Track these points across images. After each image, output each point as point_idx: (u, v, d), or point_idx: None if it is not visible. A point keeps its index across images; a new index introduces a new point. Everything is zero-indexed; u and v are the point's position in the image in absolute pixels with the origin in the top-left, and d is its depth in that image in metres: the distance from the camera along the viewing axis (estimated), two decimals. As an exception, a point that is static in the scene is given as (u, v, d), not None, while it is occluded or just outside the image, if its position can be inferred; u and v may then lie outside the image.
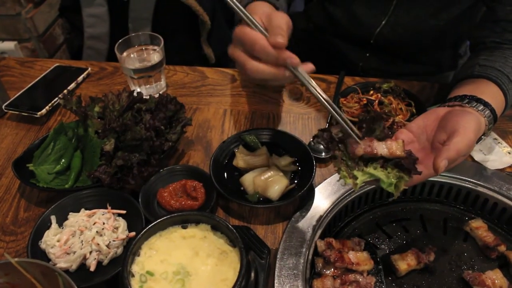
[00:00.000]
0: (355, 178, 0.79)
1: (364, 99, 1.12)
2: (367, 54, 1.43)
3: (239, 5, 0.81)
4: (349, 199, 1.01)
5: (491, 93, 0.97)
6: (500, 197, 1.02)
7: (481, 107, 0.93)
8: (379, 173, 0.79)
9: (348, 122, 0.82)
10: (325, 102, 0.83)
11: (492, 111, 0.94)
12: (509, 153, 1.13)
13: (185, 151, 1.13)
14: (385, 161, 0.80)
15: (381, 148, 0.80)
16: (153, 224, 0.84)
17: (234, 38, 0.86)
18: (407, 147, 0.83)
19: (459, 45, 1.51)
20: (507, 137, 1.18)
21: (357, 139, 0.81)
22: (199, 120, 1.22)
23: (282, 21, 0.83)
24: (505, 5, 1.09)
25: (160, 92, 1.31)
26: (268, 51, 0.79)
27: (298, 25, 1.65)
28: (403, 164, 0.79)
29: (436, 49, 1.44)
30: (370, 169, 0.80)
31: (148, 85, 1.30)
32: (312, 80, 0.82)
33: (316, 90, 0.82)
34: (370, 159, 0.81)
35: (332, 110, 0.83)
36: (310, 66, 0.84)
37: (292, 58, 0.80)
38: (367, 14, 1.32)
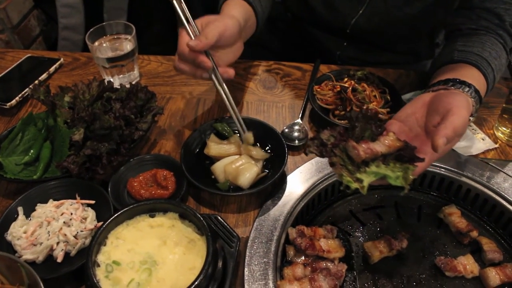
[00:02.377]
0: (361, 181, 0.75)
1: (338, 86, 1.11)
2: (345, 43, 1.43)
3: (182, 9, 1.03)
4: (322, 186, 1.01)
5: (472, 76, 0.98)
6: (473, 183, 1.02)
7: (466, 88, 0.94)
8: (384, 170, 0.77)
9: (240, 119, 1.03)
10: (229, 105, 1.03)
11: (477, 92, 0.95)
12: (483, 139, 1.13)
13: (157, 140, 1.12)
14: (385, 158, 0.79)
15: (379, 146, 0.79)
16: (119, 213, 0.82)
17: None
18: (400, 137, 0.82)
19: (435, 35, 1.50)
20: (482, 123, 1.18)
21: (244, 132, 1.02)
22: (172, 109, 1.20)
23: (214, 29, 0.99)
24: None
25: (133, 82, 1.30)
26: (185, 54, 0.98)
27: (277, 14, 1.64)
28: (404, 155, 0.79)
29: (412, 38, 1.43)
30: (373, 168, 0.77)
31: (121, 75, 1.28)
32: (224, 85, 1.03)
33: (224, 92, 1.03)
34: (367, 161, 0.79)
35: (231, 110, 1.03)
36: (229, 72, 1.04)
37: (204, 62, 0.97)
38: (344, 3, 1.32)
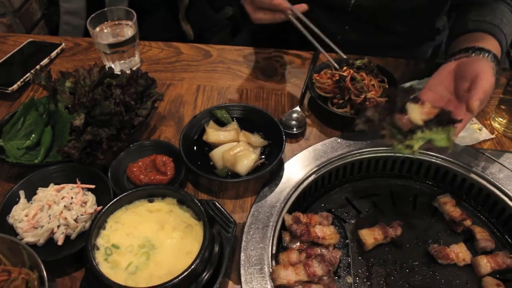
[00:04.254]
0: (411, 147, 0.86)
1: (337, 75, 1.11)
2: (346, 27, 1.42)
3: None
4: (319, 174, 1.02)
5: (488, 43, 1.06)
6: (469, 173, 1.04)
7: (486, 54, 1.02)
8: (429, 135, 0.87)
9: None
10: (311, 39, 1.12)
11: (495, 56, 1.03)
12: (479, 129, 1.14)
13: (157, 126, 1.13)
14: (427, 124, 0.88)
15: (420, 114, 0.89)
16: (118, 198, 0.84)
17: None
18: (435, 104, 0.91)
19: (436, 18, 1.51)
20: (479, 114, 1.18)
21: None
22: (172, 95, 1.21)
23: None
24: None
25: (134, 68, 1.30)
26: (260, 2, 1.05)
27: None
28: (443, 119, 0.88)
29: (413, 18, 1.43)
30: (419, 135, 0.87)
31: (122, 61, 1.29)
32: (304, 18, 1.12)
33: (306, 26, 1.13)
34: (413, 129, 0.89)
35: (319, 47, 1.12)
36: (303, 6, 1.10)
37: (280, 4, 1.04)
38: None
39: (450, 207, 1.01)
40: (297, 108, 1.13)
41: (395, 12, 1.37)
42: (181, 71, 1.29)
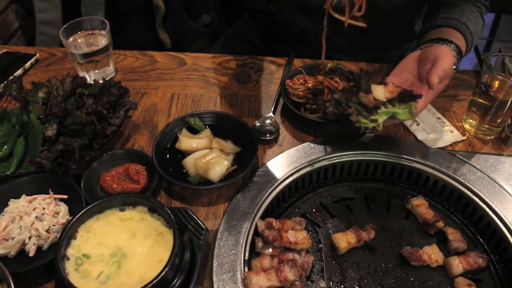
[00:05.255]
0: (375, 121, 0.94)
1: (309, 81, 1.12)
2: (327, 29, 1.43)
3: None
4: (292, 179, 1.02)
5: (453, 36, 1.14)
6: (440, 175, 1.05)
7: (448, 43, 1.10)
8: (392, 109, 0.95)
9: None
10: None
11: (457, 46, 1.11)
12: (451, 131, 1.16)
13: (131, 135, 1.13)
14: (390, 102, 0.97)
15: (384, 93, 0.98)
16: (88, 207, 0.84)
17: None
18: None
19: (415, 20, 1.53)
20: (451, 116, 1.20)
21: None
22: (146, 104, 1.21)
23: None
24: None
25: (109, 77, 1.30)
26: None
27: (257, 6, 1.65)
28: (404, 97, 0.97)
29: (393, 19, 1.44)
30: (383, 110, 0.95)
31: (96, 70, 1.29)
32: None
33: None
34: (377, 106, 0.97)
35: None
36: None
37: None
38: None
39: (423, 209, 1.02)
40: (271, 114, 1.14)
41: (375, 12, 1.38)
42: (156, 79, 1.29)
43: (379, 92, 0.98)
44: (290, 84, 1.15)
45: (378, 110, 0.96)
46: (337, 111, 1.02)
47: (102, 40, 1.27)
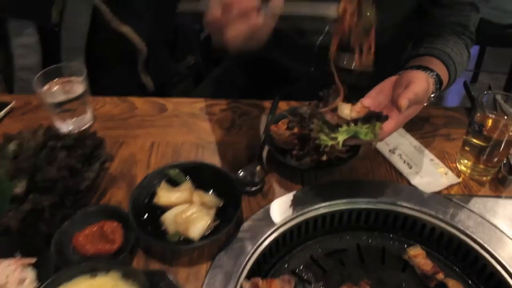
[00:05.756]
0: (335, 139, 0.88)
1: (296, 127, 1.07)
2: (312, 68, 1.40)
3: None
4: (279, 232, 0.96)
5: (434, 64, 1.10)
6: (437, 221, 0.99)
7: (428, 71, 1.06)
8: (354, 128, 0.89)
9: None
10: None
11: (437, 75, 1.07)
12: (445, 173, 1.10)
13: (107, 189, 1.06)
14: (353, 122, 0.91)
15: (347, 110, 0.93)
16: (54, 277, 0.77)
17: (207, 27, 0.86)
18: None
19: (401, 54, 1.50)
20: (444, 157, 1.15)
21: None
22: (124, 154, 1.15)
23: None
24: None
25: (86, 126, 1.24)
26: (226, 11, 0.78)
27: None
28: (370, 117, 0.91)
29: (380, 55, 1.41)
30: (344, 128, 0.89)
31: (74, 119, 1.23)
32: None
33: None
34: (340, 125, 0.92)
35: None
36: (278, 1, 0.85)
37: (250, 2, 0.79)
38: (310, 23, 1.30)
39: (420, 259, 0.96)
40: (255, 162, 1.08)
41: None
42: (135, 127, 1.23)
43: (345, 110, 0.93)
44: (275, 129, 1.09)
45: (340, 129, 0.90)
46: (299, 126, 0.99)
47: (78, 87, 1.22)
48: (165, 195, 0.97)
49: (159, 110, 1.29)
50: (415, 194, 1.04)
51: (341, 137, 0.88)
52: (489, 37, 2.79)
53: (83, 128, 1.23)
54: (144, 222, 0.94)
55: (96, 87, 1.70)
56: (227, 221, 0.92)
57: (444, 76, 1.11)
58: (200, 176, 1.02)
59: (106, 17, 1.58)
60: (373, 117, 0.91)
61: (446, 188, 1.06)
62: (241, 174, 1.05)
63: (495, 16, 2.71)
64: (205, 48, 2.03)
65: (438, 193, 1.05)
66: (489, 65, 3.62)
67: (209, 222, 0.92)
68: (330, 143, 0.88)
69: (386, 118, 0.91)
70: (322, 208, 1.00)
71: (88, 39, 1.63)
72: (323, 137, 0.89)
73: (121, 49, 1.68)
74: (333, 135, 0.89)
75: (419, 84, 0.95)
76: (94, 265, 0.80)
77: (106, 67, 1.70)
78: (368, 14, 0.98)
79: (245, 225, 0.96)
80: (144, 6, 1.67)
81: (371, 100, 1.00)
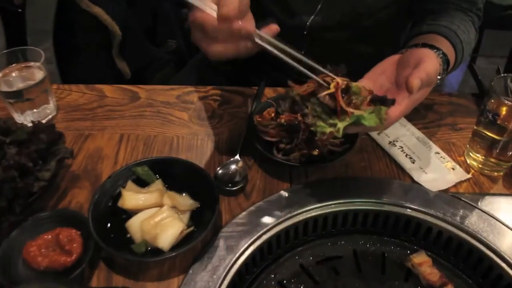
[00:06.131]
0: (335, 125, 0.76)
1: (283, 116, 0.94)
2: (302, 52, 1.27)
3: None
4: (264, 239, 0.83)
5: (440, 42, 0.97)
6: (445, 224, 0.87)
7: (434, 49, 0.93)
8: (357, 112, 0.76)
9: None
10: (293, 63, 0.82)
11: (444, 54, 0.94)
12: (453, 168, 0.97)
13: (68, 189, 0.93)
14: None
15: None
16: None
17: (191, 26, 0.80)
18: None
19: (400, 36, 1.38)
20: (451, 149, 1.02)
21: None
22: (89, 149, 1.01)
23: None
24: None
25: (49, 117, 1.11)
26: (219, 28, 0.73)
27: None
28: (374, 101, 0.79)
29: (377, 37, 1.29)
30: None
31: (34, 109, 1.09)
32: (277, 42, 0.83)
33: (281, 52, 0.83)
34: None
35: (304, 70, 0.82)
36: (273, 28, 0.84)
37: (244, 28, 0.74)
38: (299, 1, 1.18)
39: (426, 268, 0.84)
40: (237, 157, 0.95)
41: (357, 31, 1.23)
42: (103, 118, 1.10)
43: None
44: (259, 120, 0.96)
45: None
46: (291, 111, 0.88)
47: (37, 74, 1.08)
48: (130, 197, 0.84)
49: (130, 98, 1.15)
50: (419, 192, 0.91)
51: (341, 124, 0.76)
52: (488, 19, 2.66)
53: (45, 120, 1.10)
54: (106, 230, 0.81)
55: (67, 75, 1.56)
56: (203, 227, 0.79)
57: (451, 56, 0.99)
58: (172, 174, 0.89)
59: (74, -3, 1.44)
60: (377, 101, 0.79)
61: (454, 186, 0.93)
62: (220, 171, 0.92)
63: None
64: (187, 32, 1.89)
65: (445, 191, 0.92)
66: (488, 49, 3.49)
67: (181, 229, 0.79)
68: (328, 130, 0.76)
69: (392, 102, 0.80)
70: (313, 209, 0.87)
71: (57, 21, 1.48)
72: (320, 123, 0.78)
73: (94, 33, 1.54)
74: (331, 121, 0.77)
75: (430, 63, 0.84)
76: (39, 285, 0.66)
77: (78, 53, 1.56)
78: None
79: (225, 230, 0.83)
80: (117, -15, 1.53)
81: (372, 82, 0.88)
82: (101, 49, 1.58)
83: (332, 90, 0.78)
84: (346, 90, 0.79)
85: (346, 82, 0.80)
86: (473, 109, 1.13)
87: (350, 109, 0.77)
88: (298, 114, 0.87)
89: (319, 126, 0.77)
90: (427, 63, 0.84)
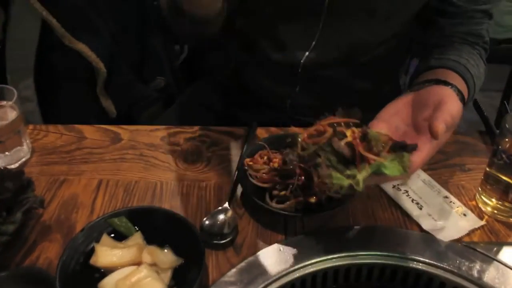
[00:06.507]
0: (353, 177, 0.67)
1: (276, 159, 0.85)
2: (296, 89, 1.20)
3: None
4: (258, 299, 0.73)
5: (451, 78, 0.90)
6: (460, 279, 0.77)
7: (449, 85, 0.86)
8: (378, 162, 0.67)
9: None
10: None
11: (459, 91, 0.87)
12: (464, 214, 0.88)
13: (38, 242, 0.83)
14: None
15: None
16: None
17: None
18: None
19: (399, 71, 1.34)
20: (460, 193, 0.94)
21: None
22: (64, 196, 0.92)
23: None
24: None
25: (22, 161, 1.02)
26: None
27: (216, 66, 1.46)
28: (394, 148, 0.70)
29: (374, 72, 1.22)
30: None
31: (6, 152, 1.00)
32: None
33: None
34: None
35: None
36: None
37: None
38: (293, 38, 1.12)
39: (440, 331, 0.74)
40: (226, 206, 0.85)
41: (353, 66, 1.17)
42: (81, 162, 1.01)
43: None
44: (251, 163, 0.87)
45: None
46: (300, 162, 0.77)
47: (11, 113, 0.99)
48: (105, 253, 0.74)
49: (112, 140, 1.06)
50: (429, 242, 0.82)
51: (360, 175, 0.67)
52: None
53: (17, 163, 1.01)
54: (76, 291, 0.71)
55: (49, 114, 1.49)
56: (187, 287, 0.69)
57: (465, 93, 0.92)
58: (153, 225, 0.79)
59: (57, 33, 1.37)
60: (398, 148, 0.71)
61: (467, 234, 0.84)
62: (207, 222, 0.82)
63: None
64: (177, 68, 1.82)
65: (458, 240, 0.83)
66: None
67: (162, 291, 0.69)
68: (346, 183, 0.66)
69: (414, 147, 0.72)
70: (311, 264, 0.78)
71: (38, 58, 1.42)
72: (336, 175, 0.67)
73: (77, 70, 1.47)
74: (349, 172, 0.68)
75: (453, 104, 0.77)
76: None
77: (61, 90, 1.48)
78: None
79: (212, 291, 0.73)
80: (102, 21, 1.47)
81: (386, 125, 0.80)
82: (85, 87, 1.50)
83: (349, 139, 0.69)
84: (364, 137, 0.71)
85: (363, 129, 0.71)
86: (481, 148, 1.06)
87: (371, 156, 0.68)
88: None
89: (335, 178, 0.67)
90: (449, 104, 0.77)
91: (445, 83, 0.87)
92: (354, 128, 0.71)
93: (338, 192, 0.82)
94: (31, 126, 1.11)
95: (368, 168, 0.67)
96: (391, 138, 0.72)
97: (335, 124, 0.72)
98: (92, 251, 0.76)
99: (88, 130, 1.10)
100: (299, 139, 0.73)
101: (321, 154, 0.69)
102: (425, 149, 0.74)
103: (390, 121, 0.81)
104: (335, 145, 0.69)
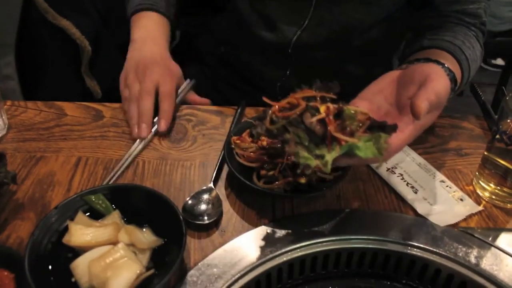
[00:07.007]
0: (322, 157, 0.62)
1: (264, 138, 0.81)
2: (287, 72, 1.16)
3: None
4: (242, 283, 0.69)
5: (444, 58, 0.87)
6: (456, 266, 0.74)
7: (440, 66, 0.83)
8: (351, 140, 0.63)
9: None
10: None
11: (450, 71, 0.84)
12: (461, 199, 0.84)
13: (9, 221, 0.78)
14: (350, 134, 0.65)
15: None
16: None
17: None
18: None
19: (393, 56, 1.29)
20: (457, 177, 0.90)
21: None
22: (39, 174, 0.87)
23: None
24: None
25: (-2, 137, 0.96)
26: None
27: (205, 48, 1.39)
28: (371, 127, 0.65)
29: (367, 56, 1.18)
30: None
31: (-19, 128, 0.95)
32: None
33: None
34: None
35: None
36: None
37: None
38: (284, 17, 1.09)
39: (434, 318, 0.70)
40: (210, 185, 0.81)
41: (345, 49, 1.14)
42: (59, 139, 0.96)
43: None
44: (238, 142, 0.83)
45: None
46: (269, 135, 0.69)
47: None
48: (79, 232, 0.69)
49: (93, 117, 1.01)
50: (424, 227, 0.78)
51: (329, 155, 0.62)
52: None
53: (-9, 140, 0.96)
54: (47, 272, 0.66)
55: (31, 93, 1.43)
56: (166, 270, 0.65)
57: (457, 75, 0.87)
58: (132, 204, 0.74)
59: (40, 8, 1.31)
60: (376, 128, 0.65)
61: (464, 219, 0.80)
62: (189, 202, 0.78)
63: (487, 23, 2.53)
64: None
65: (454, 225, 0.79)
66: (474, 76, 3.47)
67: (138, 272, 0.64)
68: (314, 163, 0.62)
69: (394, 128, 0.65)
70: (300, 248, 0.73)
71: (20, 35, 1.36)
72: (303, 153, 0.63)
73: (61, 48, 1.41)
74: (318, 151, 0.63)
75: (439, 81, 0.71)
76: None
77: (43, 69, 1.43)
78: None
79: (193, 274, 0.68)
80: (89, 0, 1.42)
81: (367, 103, 0.75)
82: (69, 66, 1.45)
83: (323, 115, 0.63)
84: (338, 114, 0.65)
85: (339, 106, 0.66)
86: (478, 133, 1.02)
87: (342, 137, 0.63)
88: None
89: (302, 158, 0.62)
90: (436, 82, 0.71)
91: (436, 62, 0.83)
92: (329, 104, 0.66)
93: (329, 173, 0.78)
94: (9, 102, 1.06)
95: (338, 148, 0.63)
96: (370, 117, 0.67)
97: (309, 98, 0.67)
98: (66, 229, 0.71)
99: (69, 107, 1.05)
100: (269, 112, 0.67)
101: (291, 129, 0.64)
102: (406, 131, 0.69)
103: (372, 100, 0.77)
104: (306, 121, 0.64)
